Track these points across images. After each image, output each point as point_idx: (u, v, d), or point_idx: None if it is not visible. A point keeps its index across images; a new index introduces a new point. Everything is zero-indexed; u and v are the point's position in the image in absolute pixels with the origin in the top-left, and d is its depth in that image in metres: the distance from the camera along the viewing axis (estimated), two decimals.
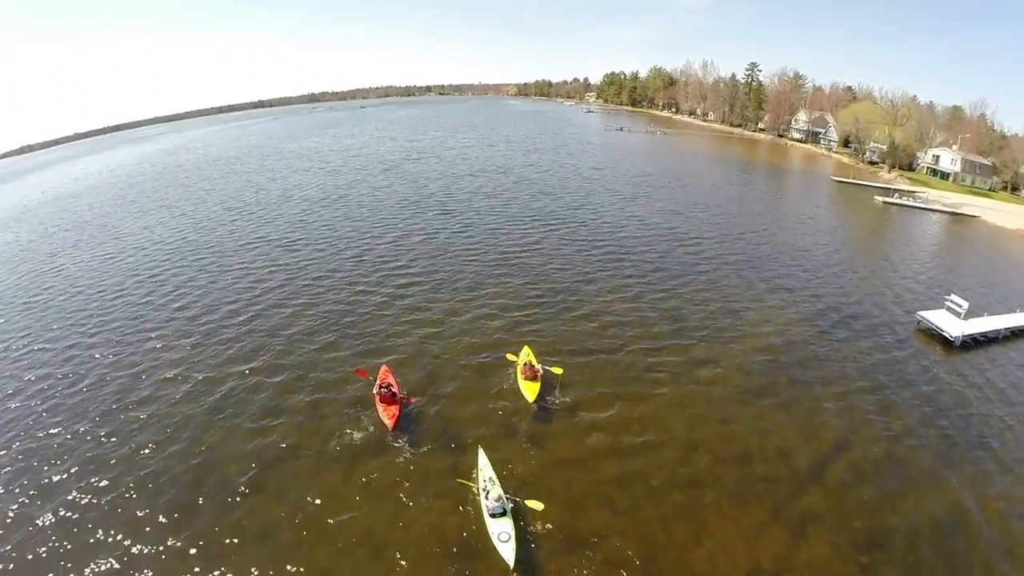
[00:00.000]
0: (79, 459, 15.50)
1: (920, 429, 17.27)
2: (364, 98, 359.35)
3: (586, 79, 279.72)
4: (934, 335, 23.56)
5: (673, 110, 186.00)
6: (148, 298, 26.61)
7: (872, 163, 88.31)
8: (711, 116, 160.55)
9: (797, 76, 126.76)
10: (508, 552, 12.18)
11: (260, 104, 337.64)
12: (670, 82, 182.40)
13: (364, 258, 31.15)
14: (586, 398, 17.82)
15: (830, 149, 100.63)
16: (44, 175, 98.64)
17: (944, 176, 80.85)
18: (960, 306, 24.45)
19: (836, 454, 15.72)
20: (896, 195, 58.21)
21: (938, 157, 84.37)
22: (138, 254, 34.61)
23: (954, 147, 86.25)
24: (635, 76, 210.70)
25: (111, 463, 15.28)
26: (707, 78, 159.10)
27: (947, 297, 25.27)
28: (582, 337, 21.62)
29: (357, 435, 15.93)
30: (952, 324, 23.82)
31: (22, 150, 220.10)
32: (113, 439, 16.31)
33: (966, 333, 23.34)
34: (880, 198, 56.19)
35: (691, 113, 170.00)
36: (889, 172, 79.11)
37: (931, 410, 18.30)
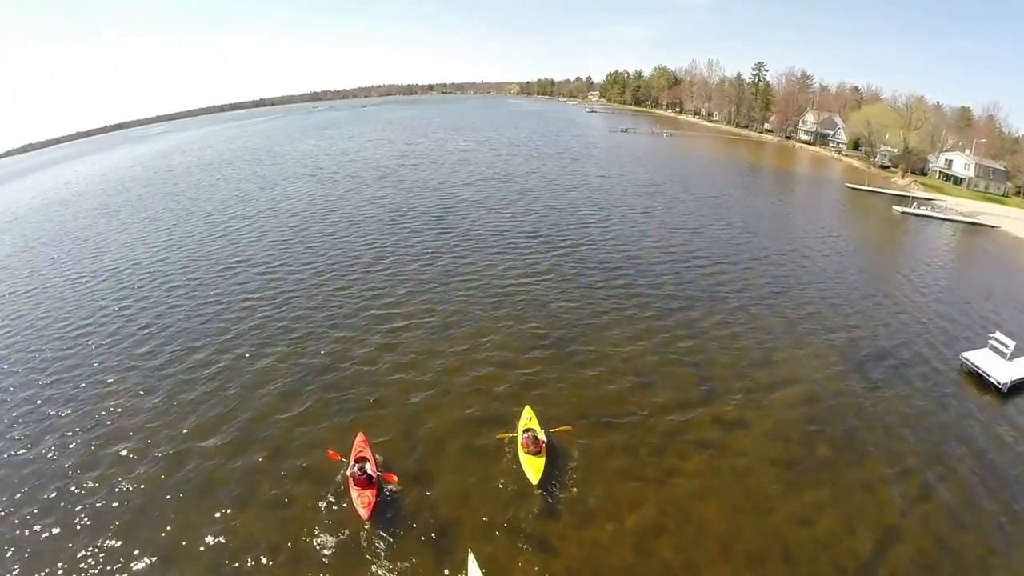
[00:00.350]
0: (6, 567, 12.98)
1: (984, 502, 15.02)
2: (366, 97, 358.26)
3: (589, 78, 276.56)
4: (981, 379, 21.24)
5: (677, 110, 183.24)
6: (114, 338, 24.18)
7: (883, 167, 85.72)
8: (716, 116, 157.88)
9: (804, 76, 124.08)
10: None
11: (262, 103, 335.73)
12: (674, 82, 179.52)
13: (351, 291, 28.00)
14: (602, 481, 15.17)
15: (839, 152, 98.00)
16: (39, 177, 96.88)
17: (957, 181, 78.32)
18: (1006, 346, 22.11)
19: (888, 545, 13.41)
20: (914, 204, 55.77)
21: (951, 161, 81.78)
22: (112, 278, 32.24)
23: (967, 151, 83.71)
24: (638, 75, 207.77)
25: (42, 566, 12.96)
26: (712, 78, 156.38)
27: (991, 336, 22.91)
28: (598, 402, 18.78)
29: (327, 536, 13.36)
30: (998, 367, 21.47)
31: (24, 149, 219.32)
32: (51, 532, 13.95)
33: (1014, 378, 21.04)
34: (898, 208, 53.75)
35: (696, 113, 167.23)
36: (903, 178, 76.57)
37: (992, 477, 15.98)
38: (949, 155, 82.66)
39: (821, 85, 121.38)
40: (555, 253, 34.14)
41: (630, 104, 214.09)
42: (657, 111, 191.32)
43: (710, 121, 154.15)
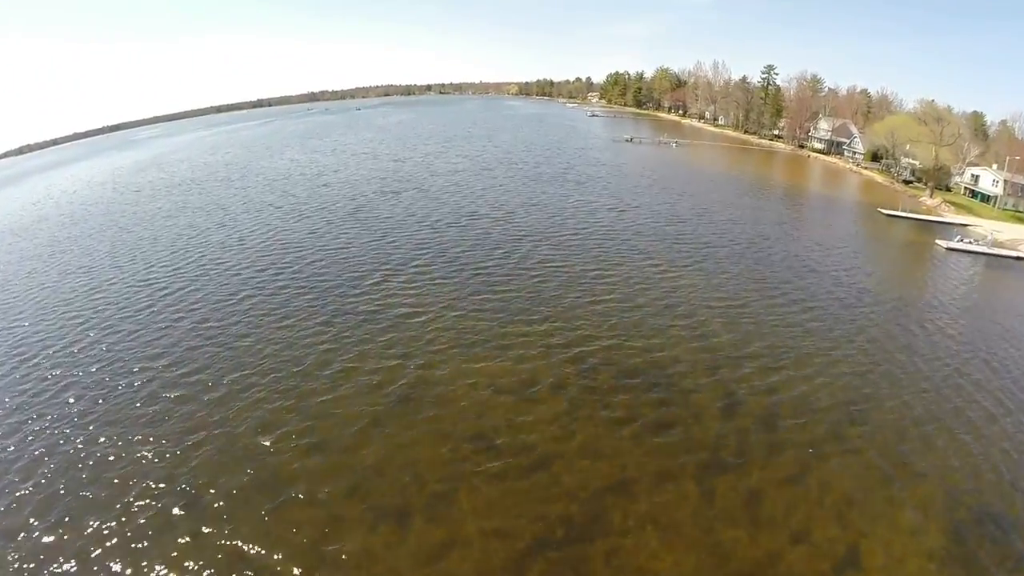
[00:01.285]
0: None
1: None
2: (364, 97, 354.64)
3: (588, 79, 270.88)
4: None
5: (680, 113, 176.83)
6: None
7: (907, 182, 79.65)
8: (721, 120, 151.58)
9: (815, 79, 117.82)
10: None
11: (259, 103, 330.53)
12: (677, 84, 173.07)
13: (279, 433, 19.46)
14: None
15: (857, 164, 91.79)
16: (13, 192, 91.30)
17: (985, 199, 72.27)
18: None
19: None
20: (958, 237, 49.49)
21: (977, 177, 75.76)
22: (22, 365, 26.30)
23: (994, 166, 77.65)
24: (640, 76, 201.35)
25: None
26: (717, 80, 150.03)
27: None
28: None
29: None
30: None
31: (21, 150, 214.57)
32: None
33: None
34: (943, 243, 47.56)
35: (700, 117, 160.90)
36: (932, 196, 70.44)
37: None
38: (976, 170, 76.61)
39: (831, 89, 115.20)
40: (560, 354, 24.92)
41: (631, 106, 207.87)
42: (659, 114, 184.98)
43: (715, 126, 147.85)
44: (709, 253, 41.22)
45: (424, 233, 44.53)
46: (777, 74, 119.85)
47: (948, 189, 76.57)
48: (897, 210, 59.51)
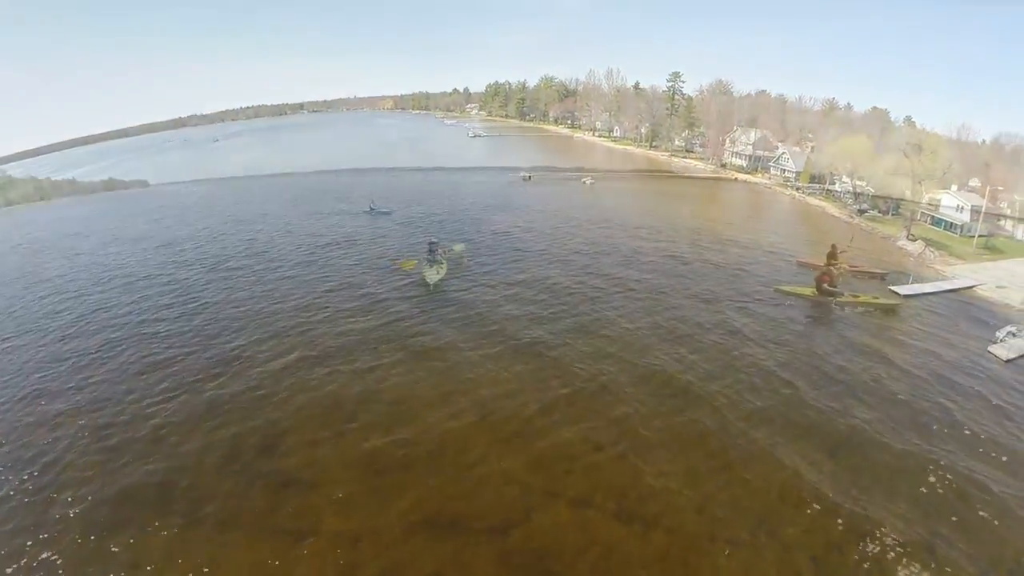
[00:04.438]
0: None
1: None
2: (233, 120, 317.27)
3: (467, 89, 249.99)
4: None
5: (568, 124, 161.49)
6: None
7: (861, 211, 66.96)
8: (617, 133, 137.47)
9: (721, 83, 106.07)
10: None
11: (124, 132, 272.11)
12: (566, 93, 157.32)
13: None
14: None
15: (798, 188, 78.41)
16: None
17: (949, 227, 61.00)
18: None
19: None
20: (1007, 331, 31.05)
21: (938, 203, 64.80)
22: None
23: (953, 187, 67.28)
24: (522, 86, 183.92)
25: None
26: (611, 88, 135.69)
27: None
28: None
29: None
30: None
31: None
32: None
33: None
34: (996, 351, 28.75)
35: (592, 130, 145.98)
36: (911, 240, 57.14)
37: None
38: (936, 193, 65.81)
39: (746, 95, 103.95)
40: None
41: (514, 118, 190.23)
42: (546, 127, 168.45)
43: (613, 140, 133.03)
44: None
45: None
46: (684, 82, 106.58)
47: (898, 211, 65.07)
48: (908, 282, 38.08)
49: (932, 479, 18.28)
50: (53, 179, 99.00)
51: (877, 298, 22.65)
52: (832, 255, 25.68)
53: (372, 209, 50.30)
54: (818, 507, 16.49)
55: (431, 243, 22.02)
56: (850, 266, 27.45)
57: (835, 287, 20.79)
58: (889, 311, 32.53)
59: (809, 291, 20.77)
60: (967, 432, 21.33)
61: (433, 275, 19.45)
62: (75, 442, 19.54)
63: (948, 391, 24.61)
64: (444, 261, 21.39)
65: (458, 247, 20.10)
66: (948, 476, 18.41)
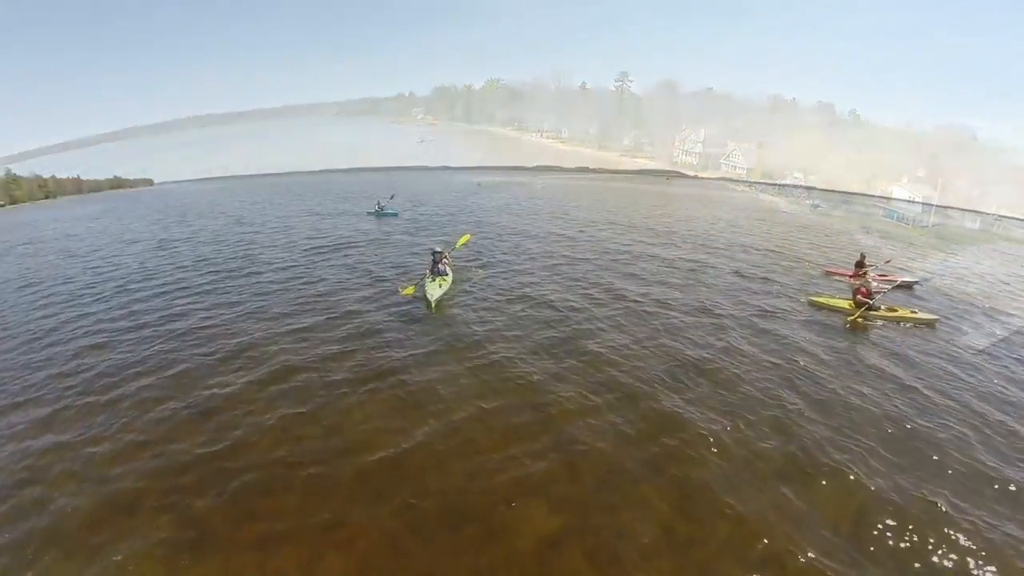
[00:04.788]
0: None
1: None
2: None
3: (412, 93, 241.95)
4: None
5: (516, 126, 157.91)
6: None
7: (815, 207, 65.74)
8: (566, 134, 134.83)
9: (668, 82, 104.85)
10: None
11: None
12: (513, 95, 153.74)
13: None
14: None
15: (749, 184, 76.98)
16: None
17: (900, 219, 60.54)
18: None
19: None
20: None
21: (889, 195, 64.65)
22: None
23: (904, 179, 67.34)
24: (468, 88, 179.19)
25: None
26: (559, 89, 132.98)
27: None
28: None
29: None
30: None
31: None
32: None
33: None
34: None
35: (540, 132, 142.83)
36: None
37: None
38: (889, 186, 65.61)
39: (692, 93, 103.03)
40: None
41: (460, 121, 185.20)
42: (492, 129, 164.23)
43: (562, 142, 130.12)
44: None
45: None
46: (632, 81, 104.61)
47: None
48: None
49: None
50: (57, 177, 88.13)
51: (915, 312, 18.74)
52: (860, 263, 22.08)
53: (380, 208, 42.77)
54: None
55: (434, 252, 16.49)
56: (878, 275, 24.07)
57: (871, 299, 17.63)
58: (930, 326, 25.72)
59: (846, 303, 17.69)
60: None
61: (435, 290, 14.16)
62: None
63: None
64: (449, 273, 15.92)
65: (479, 272, 15.21)
66: None
